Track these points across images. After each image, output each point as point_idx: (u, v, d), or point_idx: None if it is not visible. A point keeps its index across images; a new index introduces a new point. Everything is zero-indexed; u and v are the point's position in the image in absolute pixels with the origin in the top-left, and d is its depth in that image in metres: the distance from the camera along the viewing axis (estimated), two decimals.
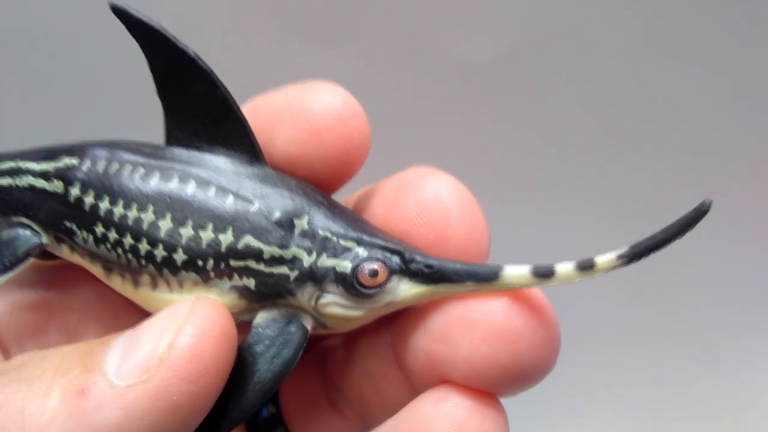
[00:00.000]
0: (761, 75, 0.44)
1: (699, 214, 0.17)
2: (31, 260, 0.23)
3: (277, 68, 0.40)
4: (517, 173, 0.46)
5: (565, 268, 0.17)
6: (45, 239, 0.21)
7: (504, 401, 0.19)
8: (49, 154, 0.21)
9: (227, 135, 0.20)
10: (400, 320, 0.20)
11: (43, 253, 0.24)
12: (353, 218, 0.20)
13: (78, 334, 0.23)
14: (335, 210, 0.19)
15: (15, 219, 0.21)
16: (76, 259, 0.21)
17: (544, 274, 0.17)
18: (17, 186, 0.21)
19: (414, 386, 0.20)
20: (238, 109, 0.20)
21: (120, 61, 0.32)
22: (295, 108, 0.20)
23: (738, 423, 0.51)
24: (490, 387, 0.18)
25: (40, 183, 0.21)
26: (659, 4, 0.43)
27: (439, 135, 0.44)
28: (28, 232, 0.21)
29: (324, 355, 0.24)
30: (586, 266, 0.17)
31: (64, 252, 0.21)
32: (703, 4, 0.43)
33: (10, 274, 0.21)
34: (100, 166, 0.20)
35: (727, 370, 0.51)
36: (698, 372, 0.51)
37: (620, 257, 0.17)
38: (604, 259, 0.17)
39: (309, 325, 0.19)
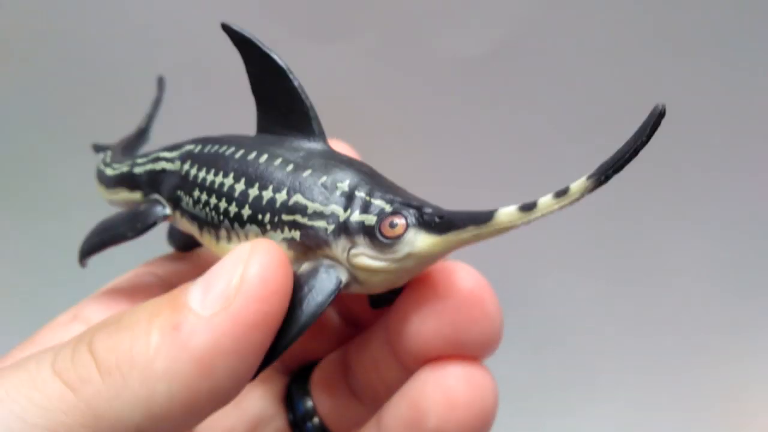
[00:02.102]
0: (740, 75, 0.44)
1: (655, 118, 0.17)
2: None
3: None
4: (510, 163, 0.47)
5: (544, 199, 0.18)
6: (168, 211, 0.26)
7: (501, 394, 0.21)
8: (179, 145, 0.27)
9: (298, 119, 0.24)
10: (394, 307, 0.23)
11: (182, 245, 0.30)
12: (388, 184, 0.22)
13: None
14: (374, 178, 0.22)
15: (153, 196, 0.27)
16: (184, 224, 0.26)
17: (528, 207, 0.19)
18: (155, 169, 0.27)
19: (406, 367, 0.23)
20: (307, 98, 0.23)
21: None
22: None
23: (728, 415, 0.50)
24: (462, 350, 0.21)
25: (169, 165, 0.26)
26: (642, 4, 0.44)
27: (433, 126, 0.46)
28: (158, 207, 0.26)
29: (345, 350, 0.27)
30: (561, 193, 0.18)
31: (177, 218, 0.26)
32: (686, 5, 0.43)
33: (139, 237, 0.26)
34: (206, 148, 0.25)
35: (718, 363, 0.49)
36: (689, 364, 0.49)
37: (589, 177, 0.17)
38: (576, 183, 0.18)
39: (344, 277, 0.21)
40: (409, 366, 0.23)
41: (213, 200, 0.24)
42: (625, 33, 0.45)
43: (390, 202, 0.21)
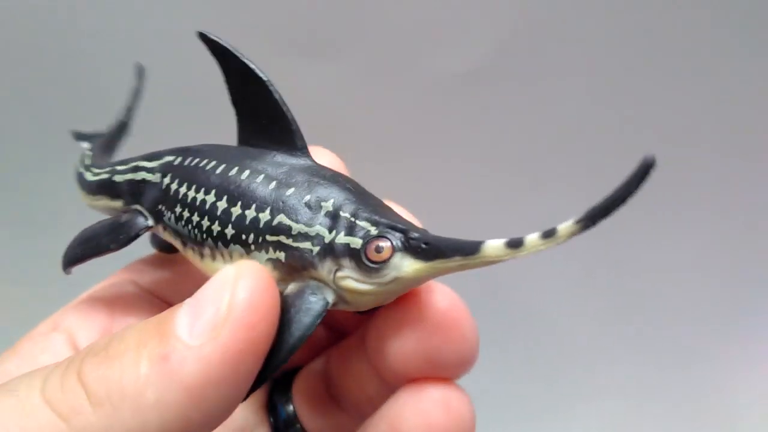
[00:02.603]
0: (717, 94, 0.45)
1: (644, 168, 0.16)
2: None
3: None
4: (496, 178, 0.47)
5: (531, 237, 0.18)
6: (150, 222, 0.26)
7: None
8: (159, 155, 0.26)
9: (280, 133, 0.23)
10: (372, 325, 0.23)
11: (165, 247, 0.29)
12: (373, 203, 0.22)
13: None
14: (359, 196, 0.22)
15: (134, 207, 0.26)
16: (167, 236, 0.25)
17: (515, 244, 0.19)
18: (135, 179, 0.26)
19: (387, 383, 0.23)
20: (288, 111, 0.23)
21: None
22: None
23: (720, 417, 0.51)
24: (439, 370, 0.22)
25: (149, 176, 0.26)
26: (629, 19, 0.45)
27: (420, 142, 0.46)
28: (141, 218, 0.26)
29: (327, 358, 0.27)
30: (549, 234, 0.18)
31: (160, 230, 0.25)
32: (669, 24, 0.45)
33: (123, 249, 0.26)
34: (187, 161, 0.25)
35: (706, 379, 0.51)
36: (678, 382, 0.51)
37: (578, 221, 0.17)
38: (563, 226, 0.18)
39: (330, 298, 0.21)
40: (389, 382, 0.23)
41: (195, 218, 0.23)
42: (612, 47, 0.46)
43: (375, 224, 0.21)
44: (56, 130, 0.39)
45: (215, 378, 0.18)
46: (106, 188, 0.28)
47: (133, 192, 0.27)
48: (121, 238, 0.26)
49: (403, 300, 0.22)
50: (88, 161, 0.31)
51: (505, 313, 0.50)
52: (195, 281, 0.22)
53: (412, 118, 0.47)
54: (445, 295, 0.22)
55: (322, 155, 0.26)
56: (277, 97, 0.23)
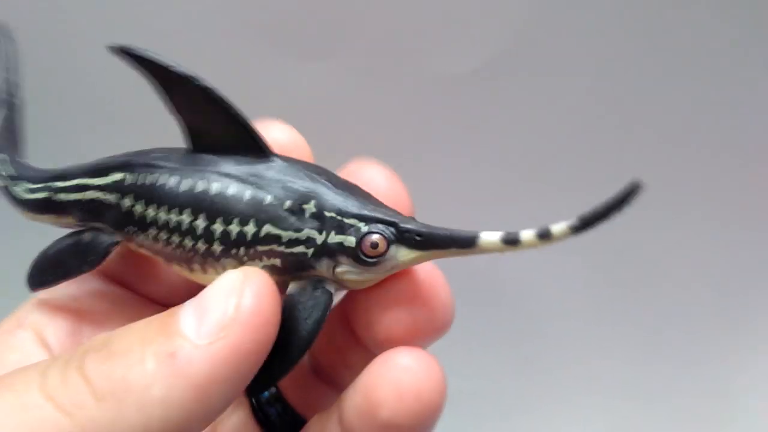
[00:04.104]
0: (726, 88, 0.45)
1: (631, 190, 0.18)
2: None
3: (258, 82, 0.42)
4: (498, 180, 0.47)
5: (527, 235, 0.20)
6: (118, 238, 0.25)
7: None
8: (103, 170, 0.25)
9: (235, 137, 0.23)
10: (355, 297, 0.24)
11: None
12: (354, 194, 0.22)
13: (107, 325, 0.27)
14: (338, 190, 0.22)
15: (92, 224, 0.25)
16: (143, 252, 0.25)
17: (511, 240, 0.20)
18: (85, 199, 0.25)
19: (370, 351, 0.24)
20: (239, 112, 0.22)
21: None
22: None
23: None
24: (419, 336, 0.23)
25: (101, 195, 0.25)
26: (631, 20, 0.44)
27: (420, 143, 0.46)
28: (104, 236, 0.25)
29: None
30: (543, 234, 0.19)
31: (134, 247, 0.25)
32: (672, 21, 0.44)
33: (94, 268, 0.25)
34: (141, 179, 0.24)
35: (708, 375, 0.52)
36: (679, 378, 0.51)
37: (570, 227, 0.19)
38: (557, 228, 0.19)
39: (332, 288, 0.22)
40: (374, 351, 0.24)
41: (175, 239, 0.23)
42: (618, 46, 0.45)
43: (363, 219, 0.22)
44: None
45: (221, 376, 0.19)
46: (49, 208, 0.27)
47: (87, 211, 0.25)
48: (91, 260, 0.25)
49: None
50: (7, 170, 0.28)
51: (493, 304, 0.50)
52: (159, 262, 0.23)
53: (411, 120, 0.46)
54: (423, 265, 0.23)
55: (280, 130, 0.26)
56: (224, 102, 0.22)
